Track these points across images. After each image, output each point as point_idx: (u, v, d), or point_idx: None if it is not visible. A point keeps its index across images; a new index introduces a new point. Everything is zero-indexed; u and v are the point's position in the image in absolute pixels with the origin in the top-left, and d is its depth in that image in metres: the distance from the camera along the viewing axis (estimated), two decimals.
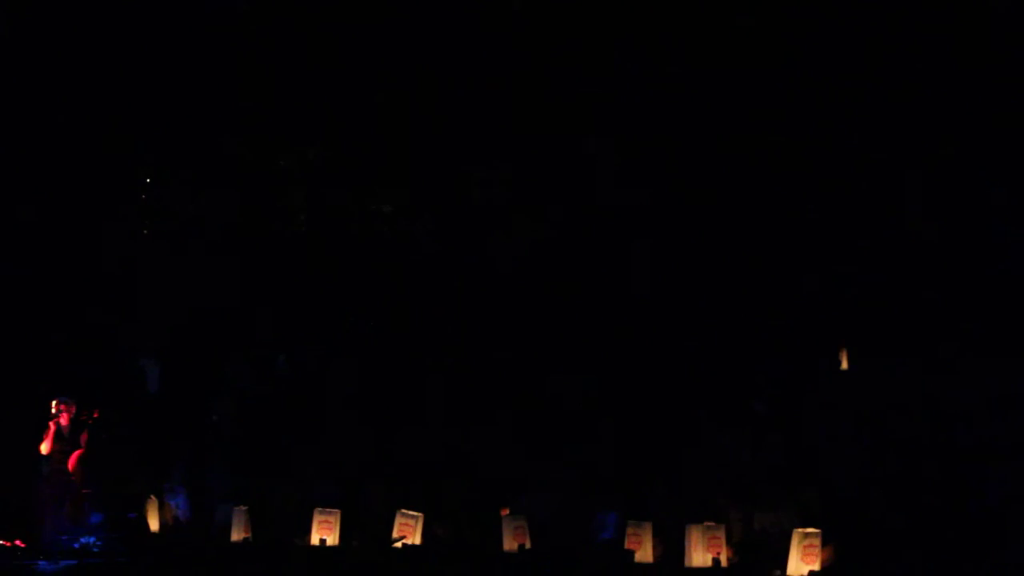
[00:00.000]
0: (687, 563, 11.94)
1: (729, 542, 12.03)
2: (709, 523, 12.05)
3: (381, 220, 15.65)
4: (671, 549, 12.20)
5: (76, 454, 14.33)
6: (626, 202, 14.52)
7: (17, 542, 13.75)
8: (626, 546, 12.26)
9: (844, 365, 13.72)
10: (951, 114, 13.12)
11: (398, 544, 12.94)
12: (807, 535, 11.43)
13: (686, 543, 11.98)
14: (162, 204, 16.57)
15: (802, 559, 11.41)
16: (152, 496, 14.46)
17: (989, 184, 13.03)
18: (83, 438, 14.34)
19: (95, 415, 14.49)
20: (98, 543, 13.75)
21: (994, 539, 11.18)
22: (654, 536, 12.27)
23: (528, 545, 12.78)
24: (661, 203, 14.29)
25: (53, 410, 14.29)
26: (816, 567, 11.36)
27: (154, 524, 14.37)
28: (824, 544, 11.44)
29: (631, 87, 14.33)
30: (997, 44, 12.90)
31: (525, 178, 14.71)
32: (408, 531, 13.02)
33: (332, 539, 13.27)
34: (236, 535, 13.67)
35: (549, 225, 14.68)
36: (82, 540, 13.76)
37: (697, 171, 14.27)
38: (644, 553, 12.23)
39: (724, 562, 11.89)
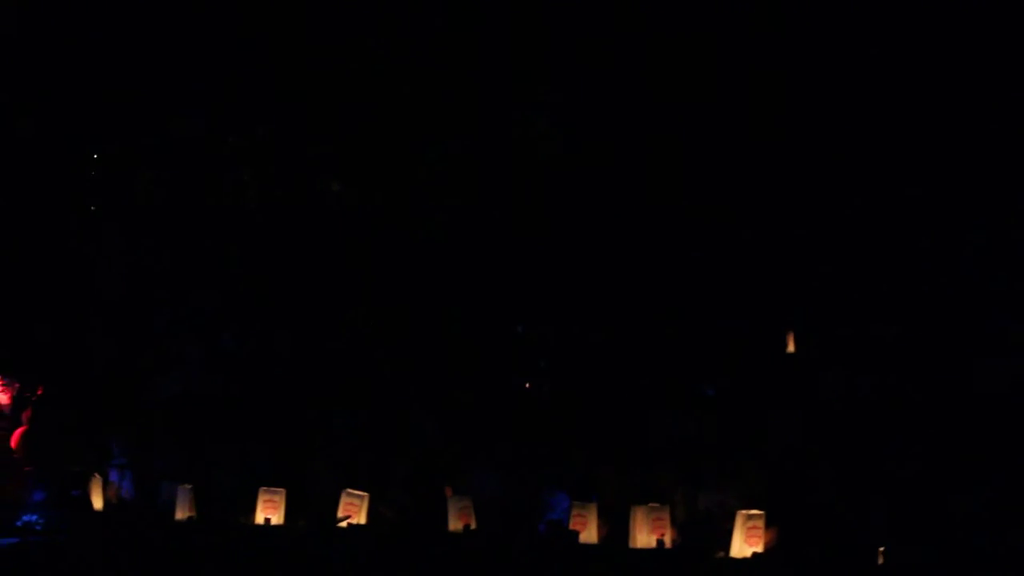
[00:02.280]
0: (631, 544, 11.93)
1: (673, 523, 12.06)
2: (654, 504, 12.06)
3: (330, 197, 15.63)
4: (616, 530, 12.21)
5: (19, 431, 14.23)
6: (578, 184, 14.54)
7: None
8: (571, 527, 12.26)
9: (791, 348, 13.79)
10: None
11: (343, 524, 12.91)
12: (751, 517, 11.46)
13: (631, 524, 11.99)
14: (110, 181, 16.47)
15: (746, 541, 11.44)
16: (96, 474, 14.35)
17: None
18: (26, 415, 14.25)
19: (39, 392, 14.39)
20: (40, 521, 13.66)
21: (939, 521, 11.25)
22: (599, 517, 12.28)
23: (474, 525, 12.75)
24: (610, 185, 14.32)
25: None
26: (759, 549, 11.39)
27: (97, 502, 14.25)
28: (768, 526, 11.49)
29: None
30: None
31: (475, 156, 14.73)
32: (353, 511, 12.97)
33: (277, 518, 13.21)
34: (180, 514, 13.57)
35: (497, 204, 14.71)
36: (24, 518, 13.66)
37: (649, 153, 14.30)
38: (589, 534, 12.22)
39: (668, 543, 11.89)
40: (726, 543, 11.52)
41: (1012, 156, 13.09)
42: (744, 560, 11.38)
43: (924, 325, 12.86)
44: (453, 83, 14.80)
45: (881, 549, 11.00)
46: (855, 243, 13.61)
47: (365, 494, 13.02)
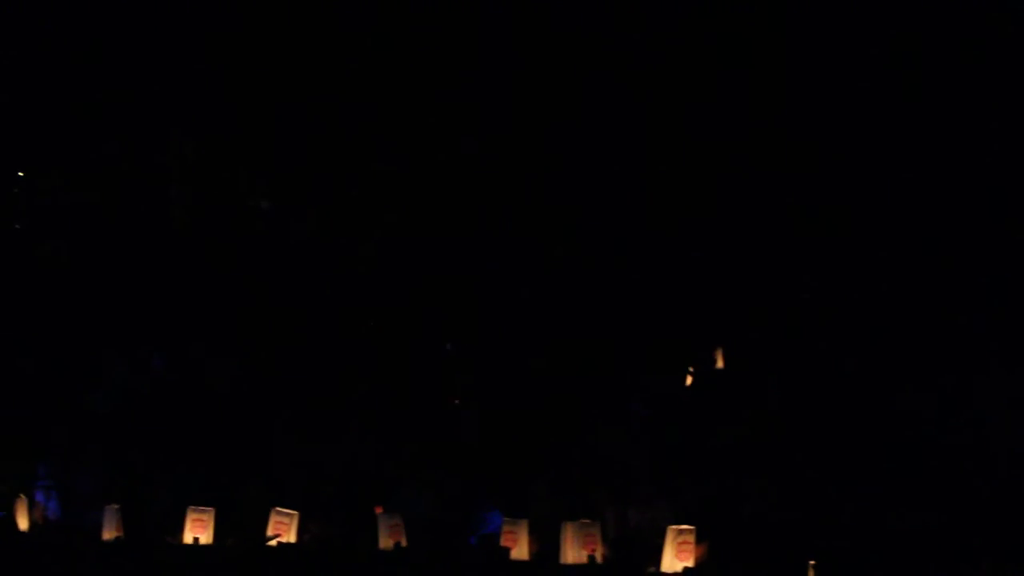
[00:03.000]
0: (562, 560, 11.92)
1: (604, 539, 12.06)
2: (585, 520, 12.06)
3: (259, 216, 15.58)
4: (547, 546, 12.20)
5: None
6: (507, 201, 14.57)
7: None
8: (502, 543, 12.24)
9: (720, 364, 13.86)
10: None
11: (273, 543, 12.81)
12: (681, 532, 11.49)
13: (562, 540, 11.98)
14: (36, 199, 16.34)
15: (676, 556, 11.46)
16: (21, 495, 14.18)
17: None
18: None
19: None
20: None
21: (866, 534, 11.32)
22: (530, 533, 12.27)
23: (404, 543, 12.70)
24: (540, 201, 14.36)
25: None
26: (690, 564, 11.42)
27: (23, 523, 14.08)
28: (699, 541, 11.52)
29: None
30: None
31: (405, 175, 14.77)
32: (283, 529, 12.87)
33: (205, 538, 13.08)
34: (108, 534, 13.43)
35: (426, 223, 14.74)
36: None
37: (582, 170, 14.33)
38: (520, 550, 12.18)
39: (599, 559, 11.90)
40: (657, 559, 11.57)
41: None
42: (675, 575, 11.43)
43: (860, 338, 12.96)
44: (387, 100, 14.80)
45: (812, 563, 11.07)
46: (788, 259, 13.71)
47: (295, 513, 12.95)
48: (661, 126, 14.06)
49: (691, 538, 11.48)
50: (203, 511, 13.16)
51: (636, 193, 14.07)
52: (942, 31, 13.14)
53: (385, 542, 12.72)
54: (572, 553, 11.95)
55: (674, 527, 11.56)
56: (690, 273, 14.00)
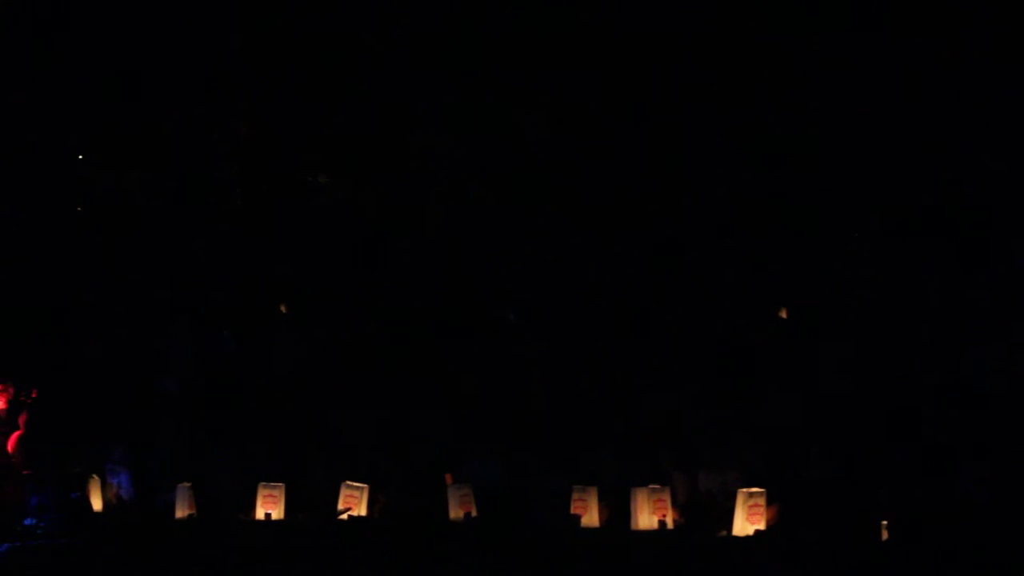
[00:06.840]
0: (633, 526, 12.02)
1: (674, 504, 12.11)
2: (654, 486, 12.12)
3: (318, 191, 15.60)
4: (617, 513, 12.25)
5: (15, 435, 14.18)
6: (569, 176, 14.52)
7: None
8: (572, 511, 12.30)
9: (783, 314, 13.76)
10: None
11: (344, 516, 12.91)
12: (752, 495, 11.55)
13: (632, 506, 12.04)
14: (93, 181, 16.39)
15: (747, 519, 11.52)
16: (94, 475, 14.33)
17: None
18: (22, 419, 14.19)
19: (33, 395, 14.34)
20: (40, 525, 13.61)
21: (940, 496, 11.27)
22: (600, 500, 12.33)
23: (474, 513, 12.79)
24: (603, 176, 14.29)
25: None
26: (761, 526, 11.45)
27: (97, 504, 14.24)
28: (769, 503, 11.54)
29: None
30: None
31: (465, 148, 14.71)
32: (354, 503, 13.01)
33: (277, 513, 13.24)
34: (180, 512, 13.60)
35: (487, 196, 14.70)
36: (24, 522, 13.62)
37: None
38: (590, 518, 12.28)
39: (670, 524, 11.97)
40: (728, 522, 11.59)
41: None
42: (747, 538, 11.45)
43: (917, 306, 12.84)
44: (444, 75, 14.75)
45: (884, 523, 11.05)
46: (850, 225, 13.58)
47: (365, 486, 13.05)
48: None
49: (762, 500, 11.53)
50: (274, 487, 13.32)
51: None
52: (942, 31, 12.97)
53: (455, 512, 12.82)
54: (643, 519, 12.02)
55: (744, 490, 11.60)
56: (757, 241, 13.87)
